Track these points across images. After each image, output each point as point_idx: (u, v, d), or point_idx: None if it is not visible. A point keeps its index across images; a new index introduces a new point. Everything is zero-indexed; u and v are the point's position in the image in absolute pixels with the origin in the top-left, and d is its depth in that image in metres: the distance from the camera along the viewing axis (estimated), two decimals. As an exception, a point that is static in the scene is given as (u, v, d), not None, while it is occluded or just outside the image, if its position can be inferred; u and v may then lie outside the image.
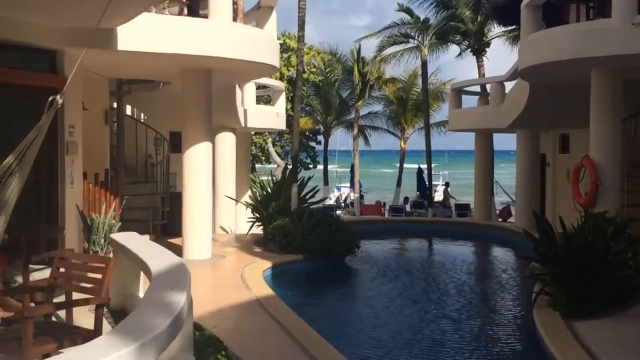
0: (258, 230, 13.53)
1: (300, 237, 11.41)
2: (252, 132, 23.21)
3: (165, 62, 10.17)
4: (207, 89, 10.94)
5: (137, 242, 6.31)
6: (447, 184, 26.33)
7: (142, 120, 14.88)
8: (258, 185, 14.02)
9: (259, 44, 10.54)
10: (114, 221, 9.98)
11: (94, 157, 11.23)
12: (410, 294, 10.10)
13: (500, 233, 15.85)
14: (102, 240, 9.73)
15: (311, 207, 13.19)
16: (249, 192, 18.94)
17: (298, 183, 12.95)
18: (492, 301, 9.99)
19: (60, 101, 4.82)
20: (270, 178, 17.30)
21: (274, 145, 30.11)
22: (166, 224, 13.82)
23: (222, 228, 14.75)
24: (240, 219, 15.80)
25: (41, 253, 6.28)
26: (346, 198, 28.89)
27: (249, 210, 13.87)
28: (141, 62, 10.09)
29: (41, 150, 5.18)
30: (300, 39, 13.00)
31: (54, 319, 5.60)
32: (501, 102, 15.92)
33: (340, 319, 8.57)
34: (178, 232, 13.79)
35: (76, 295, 4.70)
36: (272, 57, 10.81)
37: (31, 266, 5.75)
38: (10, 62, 8.45)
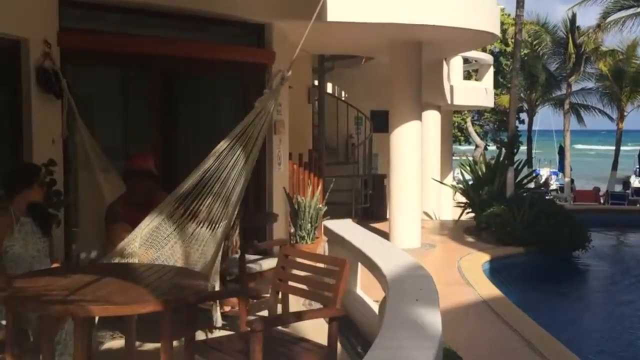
0: (465, 216, 12.39)
1: (522, 227, 10.07)
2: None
3: (374, 33, 9.34)
4: (417, 63, 9.95)
5: (357, 234, 5.53)
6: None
7: (343, 99, 14.30)
8: (467, 167, 12.79)
9: (478, 9, 9.31)
10: (320, 205, 9.42)
11: (298, 136, 10.77)
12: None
13: None
14: (309, 225, 9.22)
15: (524, 193, 11.78)
16: (452, 175, 17.80)
17: (514, 167, 11.55)
18: None
19: (288, 74, 4.17)
20: (471, 160, 15.98)
21: (472, 124, 28.45)
22: (367, 208, 13.16)
23: (426, 213, 13.76)
24: (444, 204, 14.72)
25: (253, 242, 5.70)
26: (546, 182, 26.53)
27: (454, 194, 12.76)
28: (349, 34, 9.36)
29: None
30: (519, 3, 11.51)
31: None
32: None
33: (587, 331, 7.19)
34: (379, 217, 13.12)
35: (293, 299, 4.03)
36: (493, 23, 9.53)
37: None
38: (217, 37, 8.12)
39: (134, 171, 4.98)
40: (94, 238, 5.26)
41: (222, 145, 4.34)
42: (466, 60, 16.78)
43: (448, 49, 11.78)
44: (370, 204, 13.09)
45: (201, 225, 4.25)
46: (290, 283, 3.91)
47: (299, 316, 3.46)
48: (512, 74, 12.41)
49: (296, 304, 4.25)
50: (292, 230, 9.25)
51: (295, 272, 3.95)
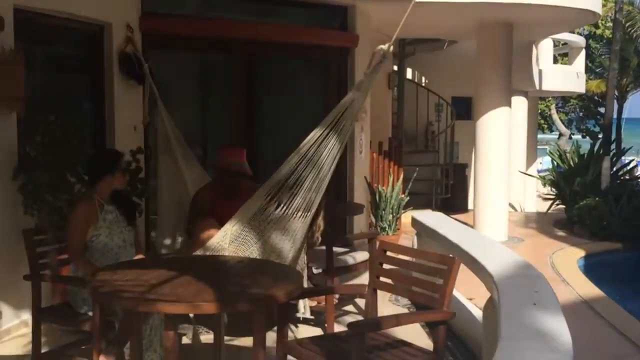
0: (552, 208, 11.72)
1: (619, 221, 9.38)
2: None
3: (463, 15, 8.83)
4: (507, 46, 9.36)
5: (452, 228, 5.14)
6: None
7: (423, 84, 13.79)
8: (557, 156, 12.08)
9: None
10: (402, 195, 9.03)
11: (377, 124, 10.38)
12: None
13: None
14: (390, 216, 8.86)
15: (622, 184, 11.02)
16: (537, 165, 16.99)
17: (611, 156, 10.81)
18: None
19: (389, 50, 3.85)
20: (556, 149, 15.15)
21: (557, 112, 27.20)
22: (447, 199, 12.65)
23: (511, 205, 13.12)
24: (530, 195, 14.02)
25: (340, 234, 5.40)
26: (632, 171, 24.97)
27: (540, 185, 12.08)
28: (436, 16, 8.87)
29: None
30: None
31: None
32: None
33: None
34: (460, 208, 12.59)
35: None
36: (594, 0, 8.84)
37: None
38: (299, 20, 7.83)
39: (229, 170, 4.69)
40: (173, 227, 5.09)
41: (318, 131, 4.07)
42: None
43: (541, 30, 11.11)
44: (451, 194, 12.58)
45: (294, 216, 3.97)
46: (383, 279, 3.58)
47: (404, 318, 3.13)
48: (612, 56, 11.63)
49: (380, 300, 3.92)
50: (373, 221, 8.92)
51: (389, 267, 3.61)
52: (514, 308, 3.02)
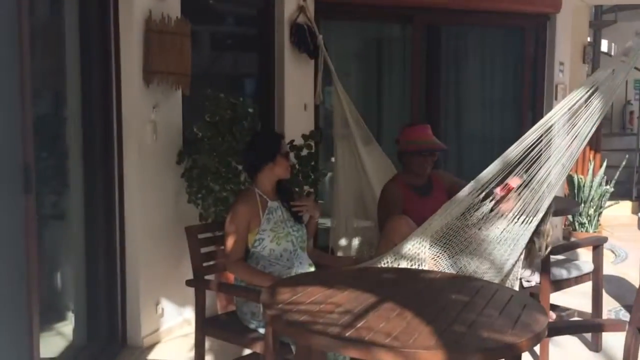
0: None
1: None
2: None
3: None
4: None
5: None
6: None
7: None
8: None
9: None
10: (607, 186, 7.68)
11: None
12: None
13: None
14: (591, 210, 7.56)
15: None
16: None
17: None
18: None
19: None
20: None
21: None
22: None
23: None
24: None
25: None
26: None
27: None
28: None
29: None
30: None
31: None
32: None
33: None
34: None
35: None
36: None
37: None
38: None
39: (415, 151, 3.91)
40: (352, 224, 4.35)
41: (556, 114, 3.12)
42: None
43: None
44: (655, 184, 10.80)
45: (516, 220, 3.05)
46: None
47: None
48: None
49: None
50: (569, 217, 7.68)
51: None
52: None
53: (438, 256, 3.17)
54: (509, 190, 3.15)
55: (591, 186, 7.61)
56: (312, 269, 3.31)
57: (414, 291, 2.61)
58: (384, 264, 3.32)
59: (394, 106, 6.55)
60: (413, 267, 3.23)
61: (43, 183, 3.52)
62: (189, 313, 4.41)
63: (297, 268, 3.23)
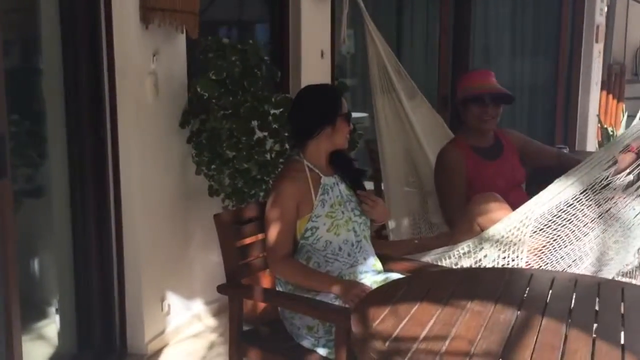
0: None
1: None
2: None
3: None
4: None
5: None
6: None
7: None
8: None
9: None
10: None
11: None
12: None
13: None
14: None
15: None
16: None
17: None
18: None
19: None
20: None
21: None
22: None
23: None
24: None
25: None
26: None
27: None
28: None
29: None
30: None
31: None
32: None
33: None
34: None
35: None
36: None
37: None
38: None
39: (476, 93, 3.17)
40: (403, 198, 3.58)
41: None
42: None
43: None
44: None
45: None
46: None
47: None
48: None
49: None
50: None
51: None
52: None
53: (544, 246, 2.43)
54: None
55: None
56: (379, 264, 2.54)
57: (560, 308, 1.86)
58: (463, 252, 2.58)
59: (416, 55, 5.72)
60: (505, 258, 2.49)
61: (16, 154, 2.68)
62: (198, 306, 3.68)
63: (362, 266, 2.47)
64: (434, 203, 3.60)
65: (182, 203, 3.49)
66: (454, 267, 2.63)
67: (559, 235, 2.42)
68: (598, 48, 6.26)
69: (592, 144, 6.42)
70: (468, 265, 2.58)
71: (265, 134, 3.33)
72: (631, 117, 7.97)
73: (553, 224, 2.42)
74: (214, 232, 2.46)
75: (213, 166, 3.34)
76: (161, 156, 3.33)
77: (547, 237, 2.44)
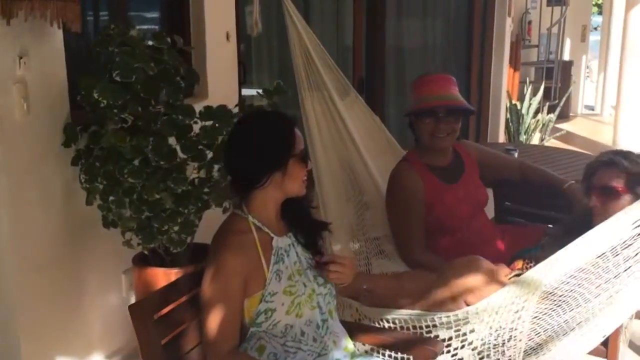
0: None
1: None
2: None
3: None
4: None
5: None
6: None
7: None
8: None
9: None
10: (551, 114, 6.87)
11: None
12: None
13: None
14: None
15: None
16: None
17: None
18: None
19: None
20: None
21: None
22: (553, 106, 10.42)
23: None
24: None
25: None
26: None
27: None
28: None
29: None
30: None
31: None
32: None
33: None
34: (561, 114, 10.40)
35: None
36: None
37: None
38: None
39: (425, 106, 2.65)
40: (343, 220, 2.99)
41: None
42: None
43: None
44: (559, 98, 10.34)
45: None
46: None
47: None
48: None
49: None
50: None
51: None
52: None
53: (545, 313, 1.98)
54: None
55: (526, 113, 6.76)
56: (350, 344, 1.98)
57: None
58: (440, 323, 2.09)
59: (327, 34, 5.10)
60: (498, 331, 2.03)
61: None
62: (98, 362, 2.96)
63: (334, 352, 1.89)
64: (372, 217, 3.07)
65: (70, 240, 2.73)
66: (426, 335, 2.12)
67: (562, 301, 1.97)
68: (509, 22, 5.95)
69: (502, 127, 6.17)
70: (447, 337, 2.08)
71: (185, 156, 2.63)
72: (522, 83, 7.88)
73: (559, 290, 1.95)
74: (113, 269, 1.81)
75: (111, 198, 2.59)
76: (39, 188, 2.55)
77: (551, 303, 1.98)
